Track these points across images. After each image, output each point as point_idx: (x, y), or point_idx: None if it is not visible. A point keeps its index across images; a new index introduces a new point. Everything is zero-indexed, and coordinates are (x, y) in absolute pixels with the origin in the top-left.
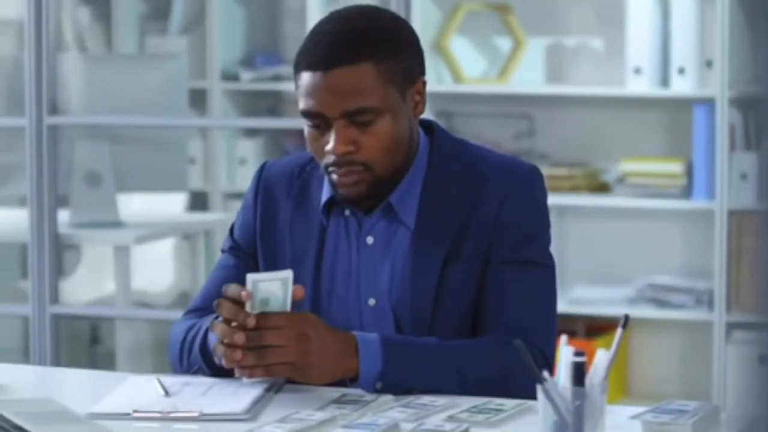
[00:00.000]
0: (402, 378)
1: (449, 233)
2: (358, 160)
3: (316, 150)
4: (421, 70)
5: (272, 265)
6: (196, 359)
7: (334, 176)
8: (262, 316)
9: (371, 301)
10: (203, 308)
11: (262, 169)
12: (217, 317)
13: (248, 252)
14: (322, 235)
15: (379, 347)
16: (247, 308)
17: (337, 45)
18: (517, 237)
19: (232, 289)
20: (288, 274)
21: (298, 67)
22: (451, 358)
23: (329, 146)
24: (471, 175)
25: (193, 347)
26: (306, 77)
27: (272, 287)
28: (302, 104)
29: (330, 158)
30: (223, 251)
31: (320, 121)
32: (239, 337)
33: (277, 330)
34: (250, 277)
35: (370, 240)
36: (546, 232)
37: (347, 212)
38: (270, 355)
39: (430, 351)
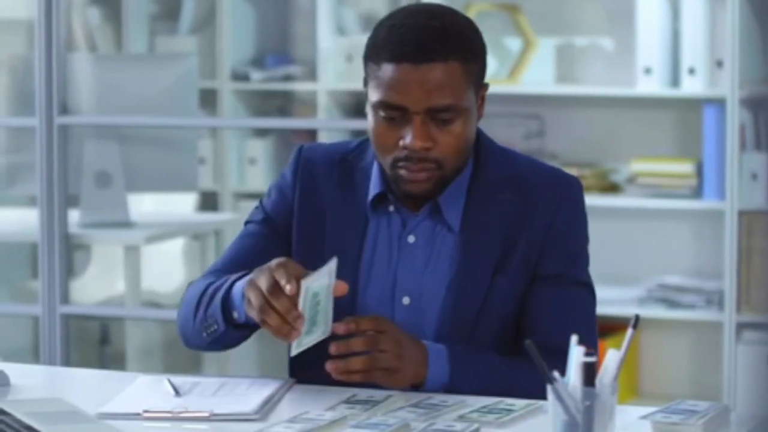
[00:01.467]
0: (463, 390)
1: (499, 242)
2: (432, 157)
3: (385, 142)
4: (485, 75)
5: (306, 247)
6: (214, 312)
7: (403, 171)
8: (360, 320)
9: (406, 300)
10: (224, 270)
11: (300, 152)
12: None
13: (280, 227)
14: (365, 228)
15: (447, 360)
16: (300, 307)
17: (428, 39)
18: (565, 252)
19: (287, 290)
20: (333, 264)
21: (378, 58)
22: (510, 374)
23: (406, 140)
24: (520, 182)
25: (213, 300)
26: (389, 69)
27: (321, 282)
28: (381, 95)
29: (402, 152)
30: (249, 222)
31: (398, 114)
32: (356, 344)
33: (383, 334)
34: (305, 284)
35: (411, 239)
36: (586, 247)
37: (391, 208)
38: (369, 361)
39: (492, 366)
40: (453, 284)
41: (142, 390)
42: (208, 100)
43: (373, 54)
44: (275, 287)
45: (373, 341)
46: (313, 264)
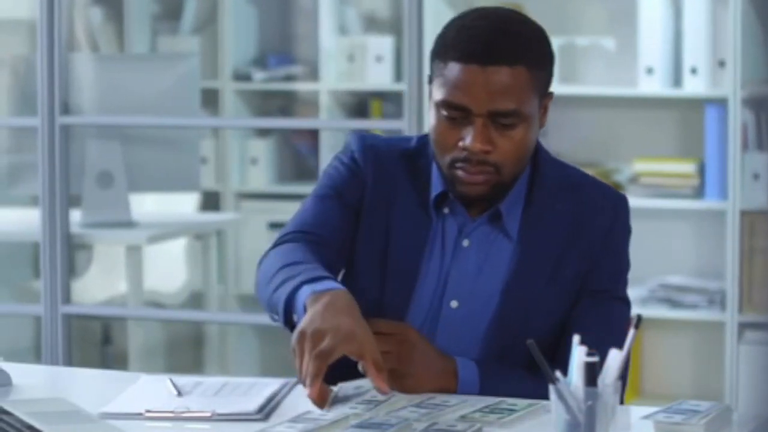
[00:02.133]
0: None
1: (554, 252)
2: (491, 161)
3: (446, 142)
4: (551, 84)
5: (371, 234)
6: (277, 304)
7: (461, 172)
8: (371, 322)
9: (454, 303)
10: (301, 231)
11: (363, 139)
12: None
13: (351, 204)
14: (428, 228)
15: (477, 377)
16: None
17: (497, 42)
18: (613, 269)
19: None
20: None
21: (445, 57)
22: (542, 392)
23: (466, 142)
24: (578, 194)
25: (280, 288)
26: (455, 68)
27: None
28: (445, 94)
29: (461, 153)
30: (315, 196)
31: (460, 114)
32: None
33: (383, 336)
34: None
35: (465, 243)
36: (629, 265)
37: (446, 210)
38: (385, 361)
39: (523, 384)
40: (505, 291)
41: (144, 390)
42: (210, 100)
43: (441, 52)
44: (316, 375)
45: (380, 342)
46: (372, 254)
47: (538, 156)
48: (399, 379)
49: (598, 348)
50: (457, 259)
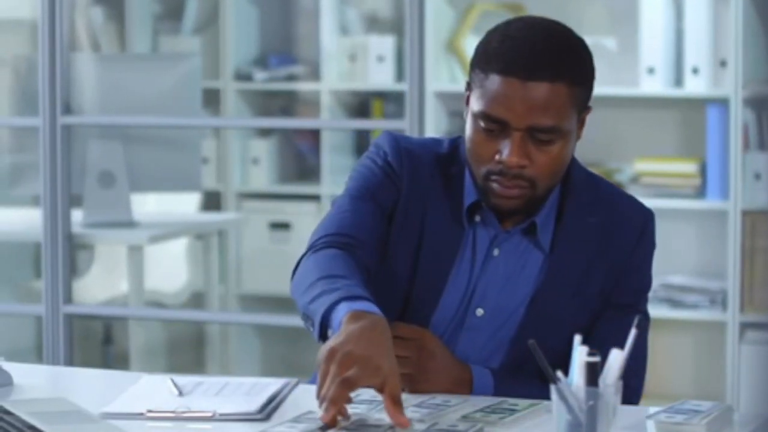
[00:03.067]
0: None
1: (582, 265)
2: (527, 175)
3: (482, 154)
4: (589, 101)
5: (404, 239)
6: (313, 315)
7: (495, 185)
8: (394, 325)
9: (479, 312)
10: (338, 234)
11: (397, 140)
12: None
13: (385, 207)
14: (461, 235)
15: (492, 386)
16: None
17: (539, 57)
18: (640, 283)
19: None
20: None
21: (487, 68)
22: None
23: (504, 155)
24: (606, 208)
25: (317, 300)
26: (497, 80)
27: None
28: (485, 106)
29: (497, 166)
30: (345, 197)
31: (498, 127)
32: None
33: (402, 340)
34: None
35: (496, 252)
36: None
37: (477, 218)
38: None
39: (537, 393)
40: (532, 303)
41: (145, 390)
42: (212, 100)
43: (483, 62)
44: (335, 401)
45: (400, 346)
46: (404, 258)
47: (572, 167)
48: (414, 384)
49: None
50: (486, 268)
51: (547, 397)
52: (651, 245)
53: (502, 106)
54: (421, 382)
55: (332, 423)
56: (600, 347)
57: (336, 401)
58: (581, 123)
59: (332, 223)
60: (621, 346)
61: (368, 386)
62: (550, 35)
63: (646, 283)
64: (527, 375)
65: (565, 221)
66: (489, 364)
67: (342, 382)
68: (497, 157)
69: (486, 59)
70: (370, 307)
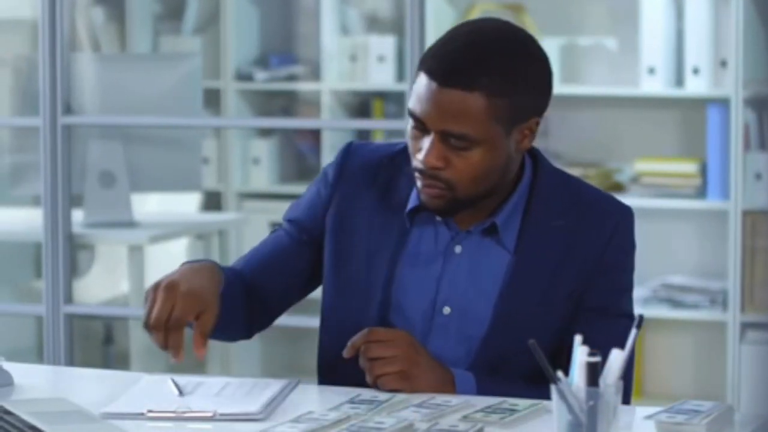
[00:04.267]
0: None
1: (550, 269)
2: (443, 177)
3: (412, 149)
4: (538, 110)
5: (343, 254)
6: None
7: (419, 182)
8: (370, 331)
9: (446, 310)
10: (241, 269)
11: (347, 151)
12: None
13: (308, 227)
14: (403, 235)
15: (474, 387)
16: None
17: (459, 65)
18: (613, 285)
19: None
20: None
21: (420, 66)
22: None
23: (421, 154)
24: (575, 210)
25: None
26: (422, 80)
27: None
28: (410, 103)
29: (419, 164)
30: (284, 221)
31: (420, 125)
32: (346, 352)
33: (384, 342)
34: None
35: (458, 249)
36: (632, 279)
37: (438, 217)
38: (380, 366)
39: (519, 394)
40: (499, 303)
41: (145, 390)
42: (212, 100)
43: (420, 60)
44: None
45: (385, 348)
46: (345, 268)
47: (539, 166)
48: (407, 381)
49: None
50: (449, 264)
51: (530, 398)
52: (627, 244)
53: (420, 107)
54: (412, 378)
55: (165, 346)
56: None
57: (159, 323)
58: (525, 133)
59: (247, 256)
60: (597, 349)
61: (187, 313)
62: (485, 42)
63: (623, 283)
64: (506, 377)
65: (530, 223)
66: (460, 365)
67: (163, 304)
68: (418, 155)
69: (422, 58)
70: (206, 260)
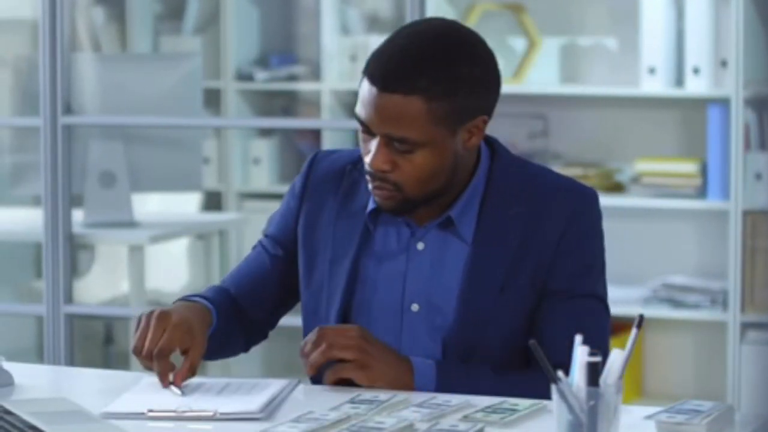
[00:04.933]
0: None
1: (509, 255)
2: (391, 179)
3: (363, 151)
4: (484, 109)
5: (311, 262)
6: None
7: (370, 185)
8: (320, 328)
9: (414, 307)
10: (228, 289)
11: (313, 161)
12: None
13: (284, 241)
14: (365, 237)
15: (434, 376)
16: None
17: (396, 70)
18: (575, 268)
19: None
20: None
21: (364, 70)
22: (504, 389)
23: (368, 157)
24: (533, 196)
25: None
26: (365, 85)
27: None
28: (356, 107)
29: (368, 167)
30: (263, 235)
31: (367, 128)
32: (312, 341)
33: (337, 331)
34: None
35: (420, 246)
36: (601, 260)
37: (386, 215)
38: (333, 353)
39: (485, 381)
40: (462, 295)
41: (146, 390)
42: (213, 100)
43: (367, 62)
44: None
45: (339, 335)
46: (314, 277)
47: (496, 156)
48: (360, 370)
49: (565, 348)
50: (412, 262)
51: (495, 383)
52: (586, 226)
53: (364, 111)
54: (366, 368)
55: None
56: (543, 336)
57: (148, 351)
58: (476, 129)
59: (233, 272)
60: (564, 333)
61: (175, 343)
62: (419, 46)
63: (587, 264)
64: (475, 366)
65: (486, 213)
66: (432, 359)
67: (154, 332)
68: (366, 158)
69: (368, 61)
70: (198, 299)
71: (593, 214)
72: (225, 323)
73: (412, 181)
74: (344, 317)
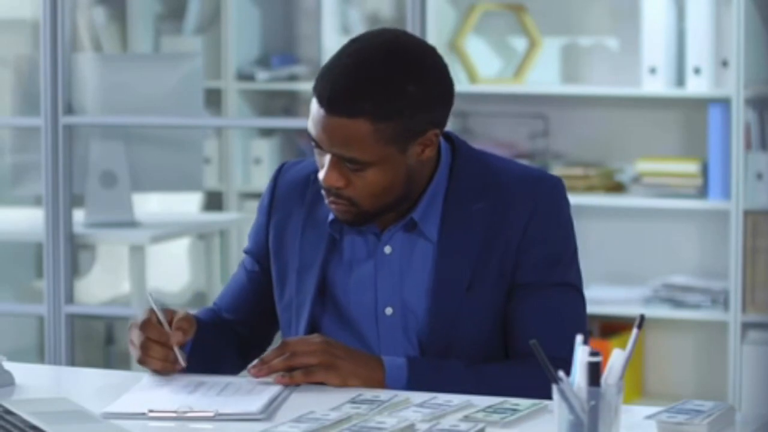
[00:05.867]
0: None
1: (474, 254)
2: (345, 195)
3: (318, 165)
4: (435, 123)
5: (283, 275)
6: None
7: (326, 199)
8: (282, 341)
9: (388, 310)
10: (219, 306)
11: (278, 172)
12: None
13: (259, 256)
14: (331, 246)
15: (405, 375)
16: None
17: (340, 94)
18: (543, 258)
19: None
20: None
21: (314, 88)
22: (477, 381)
23: (321, 174)
24: (495, 191)
25: None
26: (314, 104)
27: None
28: (308, 123)
29: (321, 182)
30: (244, 252)
31: (317, 145)
32: (276, 351)
33: (299, 340)
34: None
35: (387, 249)
36: (571, 248)
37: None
38: (299, 360)
39: (456, 375)
40: (431, 294)
41: (147, 390)
42: (214, 99)
43: (315, 80)
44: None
45: (303, 343)
46: (285, 290)
47: (457, 152)
48: (328, 371)
49: (541, 340)
50: (381, 266)
51: (468, 376)
52: (550, 215)
53: (314, 130)
54: (335, 368)
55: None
56: (517, 329)
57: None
58: (430, 142)
59: (222, 291)
60: (538, 325)
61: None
62: (363, 67)
63: (555, 254)
64: (447, 362)
65: (450, 211)
66: None
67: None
68: (320, 173)
69: (315, 80)
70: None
71: (558, 203)
72: (213, 339)
73: (366, 196)
74: (312, 329)
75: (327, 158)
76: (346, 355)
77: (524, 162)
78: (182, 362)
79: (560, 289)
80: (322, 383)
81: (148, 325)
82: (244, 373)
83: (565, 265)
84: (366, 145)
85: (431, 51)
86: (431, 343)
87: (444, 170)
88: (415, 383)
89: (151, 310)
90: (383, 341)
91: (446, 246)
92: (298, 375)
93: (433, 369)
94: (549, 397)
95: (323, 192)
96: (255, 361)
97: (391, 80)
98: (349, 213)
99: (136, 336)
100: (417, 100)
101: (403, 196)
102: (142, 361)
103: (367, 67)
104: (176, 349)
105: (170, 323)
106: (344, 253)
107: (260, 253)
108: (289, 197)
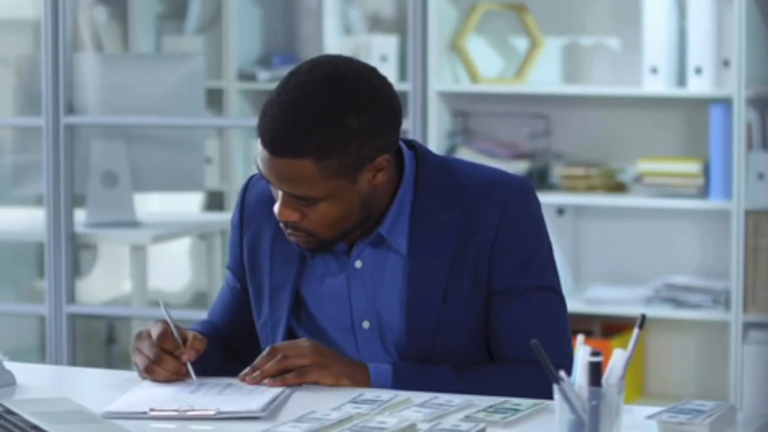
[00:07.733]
0: None
1: (447, 264)
2: (301, 227)
3: (273, 196)
4: (384, 148)
5: (259, 292)
6: None
7: (284, 230)
8: (270, 348)
9: (366, 324)
10: (211, 320)
11: (246, 187)
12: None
13: (238, 273)
14: (302, 262)
15: (390, 381)
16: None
17: (281, 136)
18: (516, 263)
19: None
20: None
21: (257, 128)
22: (464, 384)
23: (275, 208)
24: (462, 199)
25: None
26: (258, 144)
27: None
28: (257, 159)
29: (276, 216)
30: (226, 268)
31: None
32: (266, 358)
33: (288, 344)
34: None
35: (358, 264)
36: (544, 249)
37: None
38: (289, 361)
39: (442, 379)
40: (406, 307)
41: (147, 389)
42: (215, 99)
43: (258, 119)
44: (160, 354)
45: (290, 348)
46: (260, 307)
47: (421, 161)
48: (321, 370)
49: (521, 345)
50: (353, 280)
51: (453, 379)
52: (521, 221)
53: (262, 167)
54: (325, 367)
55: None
56: (497, 336)
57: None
58: (381, 167)
59: (212, 308)
60: (517, 330)
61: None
62: (303, 106)
63: (528, 258)
64: (433, 366)
65: (418, 223)
66: None
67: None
68: (275, 206)
69: (258, 120)
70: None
71: (527, 205)
72: (214, 353)
73: (322, 227)
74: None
75: (279, 194)
76: (335, 357)
77: (524, 162)
78: (194, 376)
79: (538, 292)
80: (316, 383)
81: (165, 336)
82: None
83: (540, 267)
84: (313, 183)
85: (371, 75)
86: (411, 355)
87: (409, 181)
88: (401, 387)
89: (165, 323)
90: (363, 355)
91: (417, 258)
92: (291, 377)
93: (419, 375)
94: (536, 397)
95: (281, 224)
96: (246, 369)
97: (332, 116)
98: (309, 243)
99: (147, 346)
100: (360, 132)
101: (363, 219)
102: (149, 370)
103: (306, 105)
104: (188, 365)
105: (183, 340)
106: (316, 269)
107: (238, 270)
108: (258, 212)
